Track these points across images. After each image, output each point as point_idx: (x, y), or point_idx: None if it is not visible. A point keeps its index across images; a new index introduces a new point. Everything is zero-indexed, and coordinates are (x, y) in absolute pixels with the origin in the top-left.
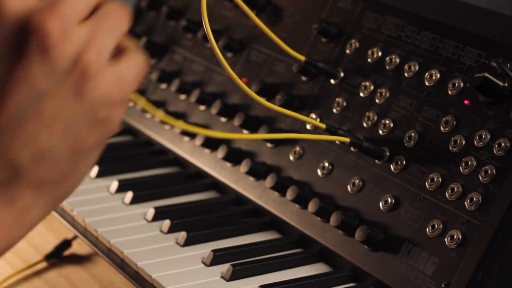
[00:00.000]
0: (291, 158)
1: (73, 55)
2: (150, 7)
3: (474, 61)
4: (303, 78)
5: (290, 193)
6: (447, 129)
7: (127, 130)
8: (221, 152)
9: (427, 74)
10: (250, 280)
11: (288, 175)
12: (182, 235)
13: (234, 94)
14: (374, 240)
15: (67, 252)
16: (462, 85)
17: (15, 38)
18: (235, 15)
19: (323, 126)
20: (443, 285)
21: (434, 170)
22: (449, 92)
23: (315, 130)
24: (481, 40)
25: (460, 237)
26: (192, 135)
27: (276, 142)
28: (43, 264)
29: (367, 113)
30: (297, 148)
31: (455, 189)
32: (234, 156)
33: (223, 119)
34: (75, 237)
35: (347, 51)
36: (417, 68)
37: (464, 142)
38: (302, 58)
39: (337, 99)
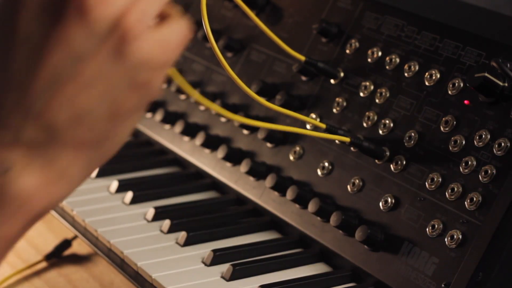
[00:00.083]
0: (291, 158)
1: (113, 17)
2: None
3: (474, 61)
4: (303, 78)
5: (290, 193)
6: (447, 129)
7: None
8: (221, 152)
9: (427, 74)
10: (250, 280)
11: (288, 175)
12: (182, 235)
13: (234, 94)
14: (374, 240)
15: (67, 252)
16: (462, 85)
17: None
18: (235, 15)
19: (323, 126)
20: (443, 285)
21: (434, 170)
22: (449, 92)
23: (315, 130)
24: (481, 40)
25: (460, 237)
26: (192, 135)
27: (276, 142)
28: (43, 264)
29: (367, 113)
30: (297, 148)
31: (455, 189)
32: (234, 156)
33: (223, 119)
34: (75, 237)
35: (347, 51)
36: (417, 68)
37: (464, 142)
38: (302, 58)
39: (337, 99)
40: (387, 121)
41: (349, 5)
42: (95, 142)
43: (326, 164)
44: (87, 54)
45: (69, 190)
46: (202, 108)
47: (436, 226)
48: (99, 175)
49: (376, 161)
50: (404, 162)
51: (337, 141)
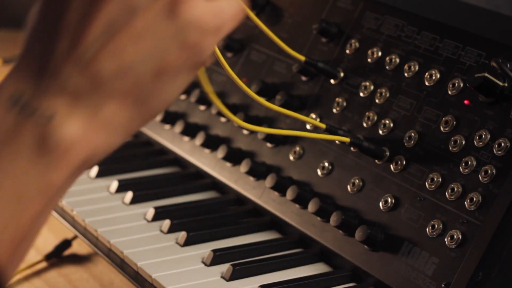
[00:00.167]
0: (291, 158)
1: None
2: None
3: (474, 61)
4: (303, 78)
5: (290, 193)
6: (447, 129)
7: None
8: (221, 152)
9: (427, 74)
10: (250, 280)
11: (288, 175)
12: (182, 235)
13: (234, 94)
14: (374, 240)
15: (67, 252)
16: (462, 85)
17: None
18: None
19: (323, 126)
20: (443, 285)
21: (434, 170)
22: (449, 92)
23: (315, 130)
24: (481, 40)
25: (460, 237)
26: (192, 135)
27: (276, 142)
28: (43, 264)
29: (367, 113)
30: (297, 148)
31: (455, 189)
32: (234, 156)
33: (223, 119)
34: (75, 237)
35: (347, 51)
36: (417, 68)
37: (464, 142)
38: (302, 58)
39: (337, 99)
40: (387, 121)
41: (349, 5)
42: (139, 97)
43: (326, 164)
44: (141, 7)
45: (112, 141)
46: (202, 108)
47: (436, 226)
48: (99, 175)
49: (376, 161)
50: (404, 162)
51: (337, 141)
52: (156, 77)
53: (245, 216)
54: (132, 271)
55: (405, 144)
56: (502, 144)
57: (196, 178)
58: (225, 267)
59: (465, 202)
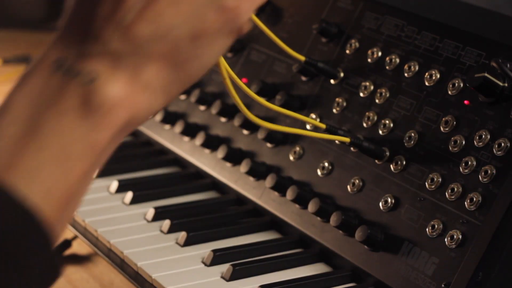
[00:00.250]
0: (291, 158)
1: None
2: None
3: (474, 61)
4: (303, 78)
5: (290, 193)
6: (447, 129)
7: None
8: (221, 152)
9: (427, 74)
10: (250, 280)
11: (288, 175)
12: (182, 235)
13: None
14: (374, 240)
15: (67, 252)
16: (462, 85)
17: None
18: None
19: (323, 126)
20: (443, 285)
21: (434, 170)
22: (449, 92)
23: (315, 130)
24: (481, 40)
25: (460, 237)
26: (192, 135)
27: (276, 142)
28: None
29: (367, 113)
30: (297, 148)
31: (455, 189)
32: (234, 156)
33: (223, 119)
34: (75, 237)
35: (347, 51)
36: (417, 68)
37: (464, 142)
38: (302, 58)
39: (337, 99)
40: (387, 121)
41: (349, 5)
42: (177, 60)
43: (326, 164)
44: None
45: (153, 103)
46: (202, 108)
47: (436, 226)
48: (99, 175)
49: (376, 161)
50: (404, 162)
51: (337, 141)
52: (194, 40)
53: (245, 216)
54: (132, 271)
55: (405, 144)
56: (502, 144)
57: (196, 178)
58: (225, 267)
59: (465, 202)
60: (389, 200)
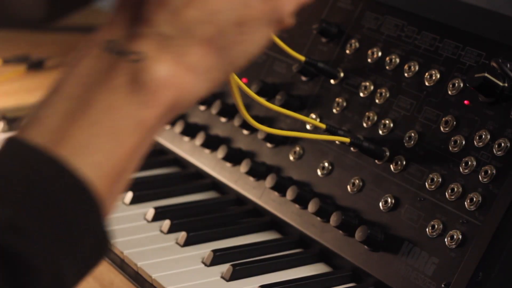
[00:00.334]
0: (291, 158)
1: None
2: None
3: (474, 61)
4: (303, 78)
5: (290, 193)
6: (447, 129)
7: None
8: (221, 152)
9: (427, 74)
10: (250, 280)
11: (288, 175)
12: (182, 235)
13: None
14: (374, 240)
15: None
16: (462, 85)
17: None
18: None
19: (323, 126)
20: (443, 285)
21: (434, 170)
22: (449, 92)
23: (315, 130)
24: (481, 40)
25: (460, 237)
26: (192, 135)
27: (276, 142)
28: None
29: (367, 113)
30: (297, 148)
31: (455, 189)
32: (234, 156)
33: (223, 119)
34: None
35: (347, 51)
36: (417, 68)
37: (464, 142)
38: (302, 58)
39: (337, 99)
40: (387, 121)
41: (349, 5)
42: (222, 44)
43: (326, 164)
44: None
45: (198, 86)
46: (202, 108)
47: (436, 226)
48: None
49: (376, 161)
50: (404, 162)
51: (337, 142)
52: (238, 26)
53: (245, 216)
54: (132, 271)
55: (405, 144)
56: (502, 144)
57: (196, 178)
58: (225, 267)
59: (465, 202)
60: (389, 200)
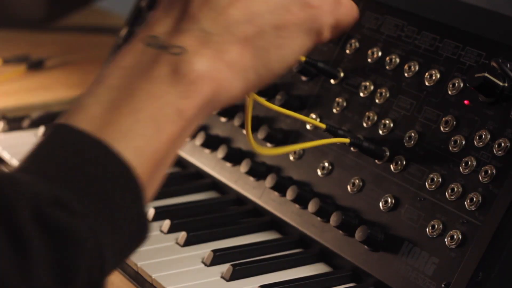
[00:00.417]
0: (291, 158)
1: None
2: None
3: (474, 61)
4: (303, 78)
5: (290, 193)
6: (447, 129)
7: None
8: (221, 152)
9: (427, 74)
10: (250, 280)
11: (288, 175)
12: (182, 235)
13: None
14: (374, 240)
15: None
16: (462, 85)
17: None
18: None
19: (323, 126)
20: (443, 285)
21: (434, 170)
22: (449, 92)
23: (315, 130)
24: (481, 40)
25: (460, 237)
26: (192, 135)
27: (276, 142)
28: None
29: (367, 113)
30: None
31: (455, 189)
32: (234, 156)
33: (223, 119)
34: None
35: (347, 51)
36: (417, 68)
37: (464, 142)
38: (302, 58)
39: (337, 99)
40: (387, 121)
41: None
42: (259, 45)
43: (326, 164)
44: None
45: (234, 84)
46: None
47: (436, 226)
48: None
49: (376, 161)
50: (404, 162)
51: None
52: (277, 30)
53: (245, 216)
54: (132, 271)
55: (405, 144)
56: (502, 144)
57: (196, 178)
58: (225, 267)
59: (465, 202)
60: (389, 200)
